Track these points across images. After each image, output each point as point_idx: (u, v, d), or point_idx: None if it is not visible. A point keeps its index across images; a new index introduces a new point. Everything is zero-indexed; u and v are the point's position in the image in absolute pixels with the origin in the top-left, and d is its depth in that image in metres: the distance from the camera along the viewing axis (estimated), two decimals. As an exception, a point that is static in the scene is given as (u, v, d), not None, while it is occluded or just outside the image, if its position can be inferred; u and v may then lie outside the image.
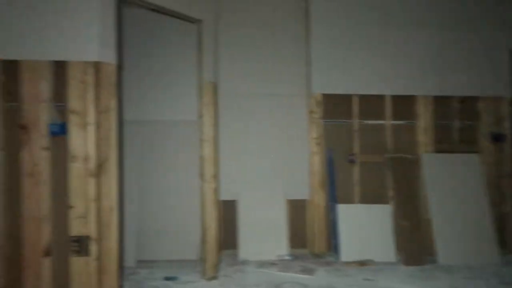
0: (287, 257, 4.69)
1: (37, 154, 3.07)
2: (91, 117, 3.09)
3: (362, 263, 4.45)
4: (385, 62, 4.98)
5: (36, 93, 3.07)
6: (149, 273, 4.16)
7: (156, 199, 4.63)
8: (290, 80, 5.07)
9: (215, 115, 4.03)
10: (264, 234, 4.75)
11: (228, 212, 4.89)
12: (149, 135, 4.65)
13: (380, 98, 5.02)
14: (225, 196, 4.85)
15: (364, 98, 5.00)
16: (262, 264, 4.48)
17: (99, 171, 3.15)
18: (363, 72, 4.96)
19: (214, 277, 3.94)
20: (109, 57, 3.17)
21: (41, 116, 3.06)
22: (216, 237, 3.99)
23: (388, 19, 5.00)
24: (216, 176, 4.01)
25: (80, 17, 3.07)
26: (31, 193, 3.07)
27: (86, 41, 3.06)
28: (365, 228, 4.67)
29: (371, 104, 5.01)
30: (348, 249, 4.58)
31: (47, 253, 3.08)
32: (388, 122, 5.03)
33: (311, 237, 4.97)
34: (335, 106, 4.97)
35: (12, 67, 3.08)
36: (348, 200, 4.91)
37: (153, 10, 4.19)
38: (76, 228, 3.12)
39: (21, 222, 3.08)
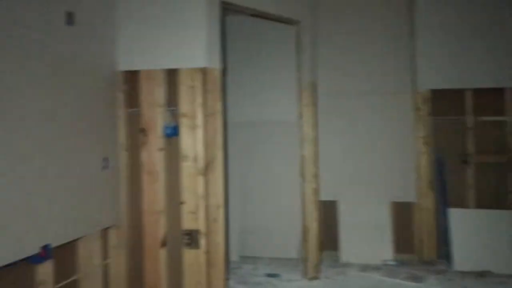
0: (391, 262, 4.47)
1: (154, 154, 3.40)
2: (199, 119, 3.32)
3: (480, 274, 4.03)
4: (504, 51, 4.45)
5: (153, 99, 3.40)
6: (252, 269, 4.31)
7: (258, 198, 4.79)
8: (393, 76, 4.82)
9: (315, 115, 4.03)
10: (366, 236, 4.59)
11: (328, 213, 4.84)
12: (251, 136, 4.83)
13: (498, 91, 4.50)
14: (325, 196, 4.80)
15: (478, 92, 4.53)
16: (365, 268, 4.33)
17: (207, 170, 3.36)
18: (478, 63, 4.49)
19: (315, 277, 3.93)
20: (215, 63, 3.38)
21: (157, 119, 3.39)
22: (317, 237, 3.98)
23: (503, 3, 4.46)
24: (316, 176, 4.00)
25: (189, 28, 3.32)
26: (149, 190, 3.41)
27: (195, 49, 3.30)
28: (482, 235, 4.23)
29: (488, 99, 4.51)
30: (463, 257, 4.19)
31: (163, 244, 3.39)
32: (510, 118, 4.48)
33: (418, 242, 4.65)
34: (444, 102, 4.60)
35: (133, 77, 3.47)
36: (461, 204, 4.49)
37: (252, 15, 4.35)
38: (187, 223, 3.38)
39: (141, 215, 3.44)
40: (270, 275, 4.04)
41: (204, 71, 3.33)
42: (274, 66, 4.89)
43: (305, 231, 3.95)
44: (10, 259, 2.26)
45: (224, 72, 3.54)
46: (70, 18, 2.76)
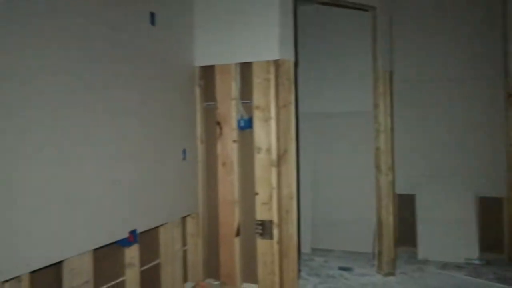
0: (476, 261, 4.16)
1: (228, 146, 3.50)
2: (272, 111, 3.35)
3: None
4: None
5: (227, 93, 3.49)
6: (324, 261, 4.29)
7: (330, 190, 4.73)
8: (476, 61, 4.44)
9: (391, 104, 3.85)
10: (448, 232, 4.32)
11: (404, 207, 4.63)
12: (323, 127, 4.76)
13: None
14: (401, 189, 4.60)
15: None
16: (445, 266, 4.09)
17: (280, 161, 3.39)
18: None
19: (390, 273, 3.80)
20: (288, 55, 3.37)
21: (231, 112, 3.47)
22: (393, 232, 3.83)
23: None
24: (392, 168, 3.84)
25: (262, 21, 3.34)
26: (224, 180, 3.53)
27: (268, 41, 3.31)
28: None
29: None
30: (561, 260, 3.78)
31: (238, 233, 3.49)
32: None
33: (508, 241, 4.28)
34: (540, 87, 4.14)
35: (209, 72, 3.59)
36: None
37: (324, 3, 4.25)
38: (260, 213, 3.44)
39: (217, 205, 3.57)
40: (343, 269, 3.98)
41: (277, 64, 3.34)
42: (347, 55, 4.75)
43: (379, 225, 3.82)
44: (105, 241, 2.49)
45: (296, 63, 3.51)
46: (152, 18, 2.93)
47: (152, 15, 2.94)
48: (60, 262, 2.21)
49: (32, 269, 1.99)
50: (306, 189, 4.65)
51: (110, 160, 2.53)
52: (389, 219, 3.78)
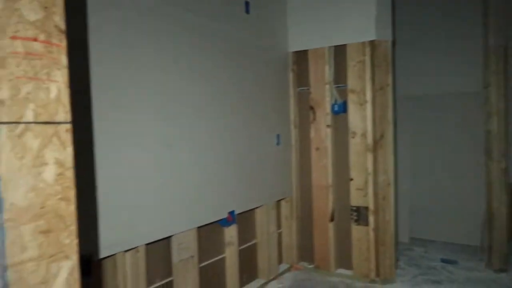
0: None
1: (322, 131, 3.47)
2: (368, 95, 3.22)
3: None
4: None
5: (321, 77, 3.44)
6: (424, 252, 4.05)
7: (430, 176, 4.42)
8: None
9: (505, 83, 3.44)
10: None
11: (519, 197, 4.14)
12: (423, 110, 4.44)
13: None
14: (515, 178, 4.12)
15: None
16: None
17: (376, 146, 3.26)
18: None
19: (502, 270, 3.45)
20: (385, 35, 3.19)
21: (325, 97, 3.42)
22: (505, 224, 3.46)
23: None
24: (506, 155, 3.45)
25: (358, 1, 3.21)
26: (318, 165, 3.51)
27: (364, 22, 3.18)
28: None
29: None
30: None
31: (332, 218, 3.47)
32: None
33: None
34: None
35: (302, 57, 3.57)
36: None
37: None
38: (355, 199, 3.37)
39: (311, 189, 3.58)
40: (446, 261, 3.72)
41: (373, 44, 3.19)
42: (450, 32, 4.33)
43: (490, 217, 3.48)
44: (207, 221, 2.66)
45: (393, 43, 3.31)
46: (247, 7, 2.99)
47: (247, 4, 3.00)
48: (169, 237, 2.43)
49: (147, 242, 2.21)
50: (404, 175, 4.40)
51: (212, 146, 2.67)
52: (501, 211, 3.42)
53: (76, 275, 1.15)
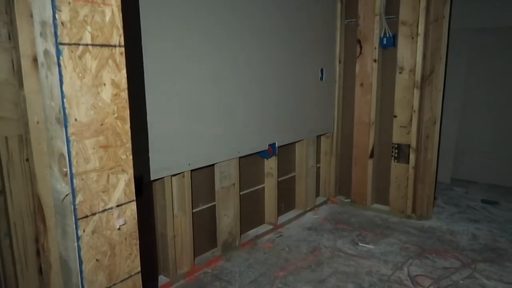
0: None
1: (368, 65, 3.36)
2: (420, 27, 3.04)
3: None
4: None
5: (370, 8, 3.26)
6: (465, 192, 4.02)
7: (479, 116, 4.23)
8: None
9: None
10: None
11: None
12: (479, 44, 4.13)
13: None
14: None
15: None
16: None
17: (424, 82, 3.14)
18: None
19: (547, 213, 3.39)
20: (445, -41, 2.92)
21: (373, 30, 3.26)
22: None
23: None
24: None
25: None
26: (361, 101, 3.45)
27: None
28: None
29: None
30: None
31: (371, 155, 3.47)
32: None
33: None
34: None
35: (350, -15, 3.37)
36: None
37: None
38: (397, 136, 3.33)
39: (352, 126, 3.56)
40: (486, 201, 3.68)
41: (430, -30, 2.94)
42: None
43: (540, 160, 3.35)
44: (249, 151, 2.76)
45: (454, -32, 3.04)
46: None
47: None
48: (213, 165, 2.56)
49: (192, 168, 2.35)
50: (451, 114, 4.25)
51: (256, 80, 2.69)
52: (553, 154, 3.27)
53: (132, 187, 1.28)
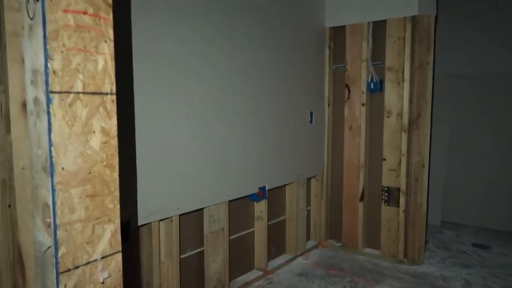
0: None
1: (356, 109, 3.42)
2: (406, 73, 3.13)
3: None
4: None
5: (357, 54, 3.36)
6: (455, 235, 3.99)
7: (466, 159, 4.29)
8: None
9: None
10: None
11: (562, 185, 3.97)
12: (464, 89, 4.26)
13: None
14: (559, 164, 3.94)
15: None
16: None
17: (411, 126, 3.19)
18: None
19: (538, 257, 3.36)
20: (428, 9, 3.06)
21: (361, 75, 3.35)
22: (545, 212, 3.35)
23: None
24: (550, 140, 3.30)
25: (399, -27, 3.08)
26: (351, 144, 3.48)
27: (406, -4, 3.05)
28: None
29: None
30: None
31: (362, 198, 3.46)
32: None
33: None
34: None
35: (339, 33, 3.49)
36: None
37: None
38: (387, 179, 3.33)
39: (342, 168, 3.56)
40: (478, 246, 3.65)
41: (414, 20, 3.07)
42: (497, 7, 4.08)
43: (528, 203, 3.38)
44: (238, 195, 2.72)
45: (436, 18, 3.18)
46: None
47: (284, -24, 2.95)
48: (201, 209, 2.51)
49: (180, 213, 2.30)
50: (438, 156, 4.30)
51: (245, 123, 2.70)
52: (541, 197, 3.31)
53: (118, 237, 1.23)
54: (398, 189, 3.27)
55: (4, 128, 1.40)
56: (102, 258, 1.17)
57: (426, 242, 3.51)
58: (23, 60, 1.19)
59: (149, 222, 2.11)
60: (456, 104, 4.30)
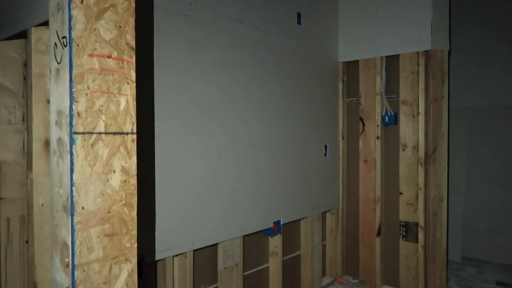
0: None
1: (371, 142, 3.40)
2: (421, 106, 3.13)
3: None
4: None
5: (371, 88, 3.38)
6: (477, 273, 3.84)
7: (486, 193, 4.19)
8: None
9: None
10: None
11: None
12: (480, 122, 4.22)
13: None
14: None
15: None
16: None
17: (428, 160, 3.15)
18: None
19: None
20: (441, 44, 3.09)
21: (375, 108, 3.36)
22: None
23: None
24: None
25: (412, 8, 3.13)
26: (366, 177, 3.44)
27: (419, 31, 3.09)
28: None
29: None
30: None
31: (379, 233, 3.38)
32: None
33: None
34: None
35: (352, 67, 3.53)
36: None
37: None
38: (404, 214, 3.26)
39: (357, 202, 3.51)
40: (502, 284, 3.50)
41: (428, 54, 3.09)
42: (510, 41, 4.11)
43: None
44: (253, 230, 2.68)
45: (449, 52, 3.20)
46: (299, 18, 3.01)
47: (299, 15, 3.03)
48: (216, 244, 2.48)
49: (195, 248, 2.27)
50: (457, 191, 4.22)
51: (260, 156, 2.70)
52: None
53: (135, 277, 1.22)
54: (416, 224, 3.19)
55: (25, 164, 1.43)
56: (118, 299, 1.15)
57: (447, 279, 3.38)
58: (47, 101, 1.23)
59: (163, 258, 2.09)
60: (473, 137, 4.25)
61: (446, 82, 3.11)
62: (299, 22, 3.02)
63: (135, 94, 1.11)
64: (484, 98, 4.21)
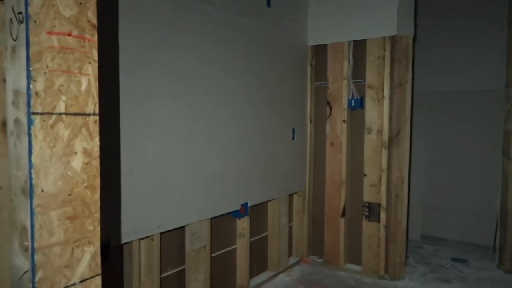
0: None
1: (338, 126, 3.47)
2: (386, 91, 3.21)
3: None
4: None
5: (339, 72, 3.43)
6: (435, 250, 4.05)
7: (445, 175, 4.38)
8: None
9: (527, 83, 3.38)
10: None
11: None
12: (440, 107, 4.38)
13: None
14: (532, 180, 4.06)
15: None
16: None
17: (391, 143, 3.26)
18: None
19: (514, 271, 3.44)
20: (407, 30, 3.16)
21: (342, 92, 3.41)
22: (520, 227, 3.44)
23: None
24: (523, 156, 3.41)
25: (379, -5, 3.18)
26: (332, 160, 3.52)
27: (385, 16, 3.15)
28: None
29: None
30: None
31: (343, 214, 3.48)
32: None
33: None
34: None
35: (321, 51, 3.56)
36: None
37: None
38: (368, 195, 3.37)
39: (324, 185, 3.59)
40: (456, 260, 3.72)
41: (394, 40, 3.16)
42: (470, 28, 4.23)
43: (504, 217, 3.46)
44: (221, 212, 2.70)
45: (414, 38, 3.28)
46: (268, 0, 2.99)
47: (268, -4, 3.00)
48: (183, 227, 2.48)
49: (161, 231, 2.27)
50: (418, 173, 4.39)
51: (228, 139, 2.70)
52: (515, 212, 3.40)
53: (98, 260, 1.20)
54: (379, 205, 3.32)
55: (-19, 147, 1.36)
56: (81, 281, 1.14)
57: (406, 257, 3.55)
58: (4, 80, 1.17)
59: (129, 241, 2.07)
60: (434, 121, 4.41)
61: (410, 67, 3.20)
62: (268, 5, 2.99)
63: (97, 74, 1.08)
64: (445, 83, 4.35)
